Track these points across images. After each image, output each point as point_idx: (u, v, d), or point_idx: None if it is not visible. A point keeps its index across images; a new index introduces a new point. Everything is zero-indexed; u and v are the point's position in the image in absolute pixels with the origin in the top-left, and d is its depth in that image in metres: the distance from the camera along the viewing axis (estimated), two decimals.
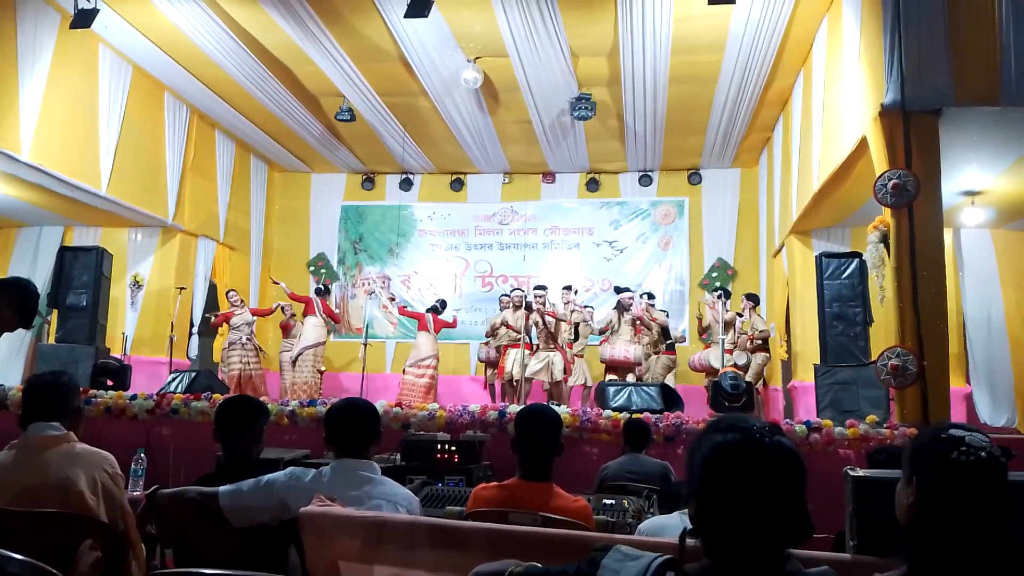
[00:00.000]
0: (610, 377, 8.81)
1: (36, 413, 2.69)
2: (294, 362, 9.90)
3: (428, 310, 10.30)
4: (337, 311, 11.27)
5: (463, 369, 11.83)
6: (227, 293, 10.34)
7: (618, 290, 9.72)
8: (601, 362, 9.27)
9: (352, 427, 2.58)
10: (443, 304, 10.62)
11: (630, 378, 8.74)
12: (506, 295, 10.03)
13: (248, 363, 9.80)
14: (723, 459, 1.26)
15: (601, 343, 9.44)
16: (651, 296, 9.96)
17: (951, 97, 5.77)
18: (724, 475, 1.25)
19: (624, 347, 8.97)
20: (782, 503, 1.23)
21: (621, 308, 9.20)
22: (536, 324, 8.89)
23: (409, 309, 10.83)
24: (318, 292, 10.52)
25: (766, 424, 1.30)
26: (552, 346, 8.96)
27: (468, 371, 11.83)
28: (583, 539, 1.95)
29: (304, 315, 10.24)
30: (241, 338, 9.87)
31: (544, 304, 8.94)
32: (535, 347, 9.04)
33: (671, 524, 2.66)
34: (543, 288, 9.29)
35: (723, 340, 8.72)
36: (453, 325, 10.50)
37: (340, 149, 11.75)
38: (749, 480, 1.23)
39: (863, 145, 6.22)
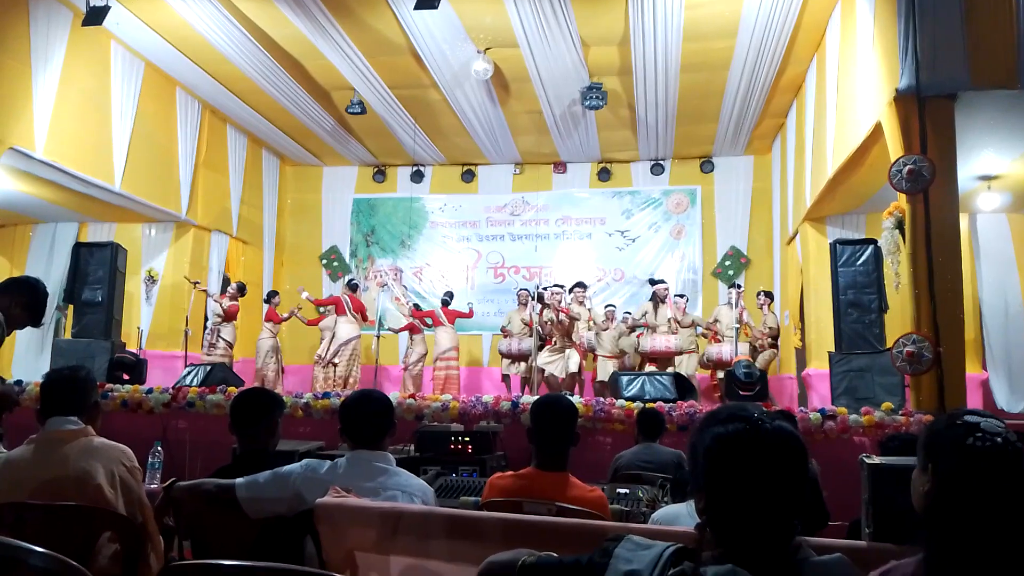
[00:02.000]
0: (649, 368, 8.82)
1: (54, 408, 2.72)
2: (330, 360, 9.93)
3: (444, 305, 10.42)
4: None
5: (477, 360, 11.87)
6: (229, 285, 10.17)
7: (652, 282, 9.73)
8: (639, 353, 9.29)
9: (366, 419, 2.59)
10: (451, 295, 10.76)
11: (674, 368, 8.79)
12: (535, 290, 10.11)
13: (211, 353, 9.58)
14: (727, 449, 1.26)
15: (639, 335, 9.44)
16: (682, 296, 9.95)
17: (967, 81, 5.70)
18: (729, 465, 1.25)
19: (664, 338, 8.99)
20: (788, 487, 1.24)
21: (657, 299, 9.20)
22: (551, 320, 8.92)
23: (421, 309, 10.80)
24: (351, 287, 10.42)
25: (764, 411, 1.30)
26: (568, 341, 9.00)
27: (482, 362, 11.87)
28: (596, 529, 1.96)
29: (336, 315, 10.22)
30: (207, 326, 9.70)
31: (560, 301, 8.98)
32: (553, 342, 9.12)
33: (684, 513, 2.66)
34: (560, 287, 9.34)
35: (736, 330, 8.73)
36: (470, 315, 10.58)
37: (351, 142, 11.77)
38: (754, 467, 1.23)
39: (878, 131, 6.16)
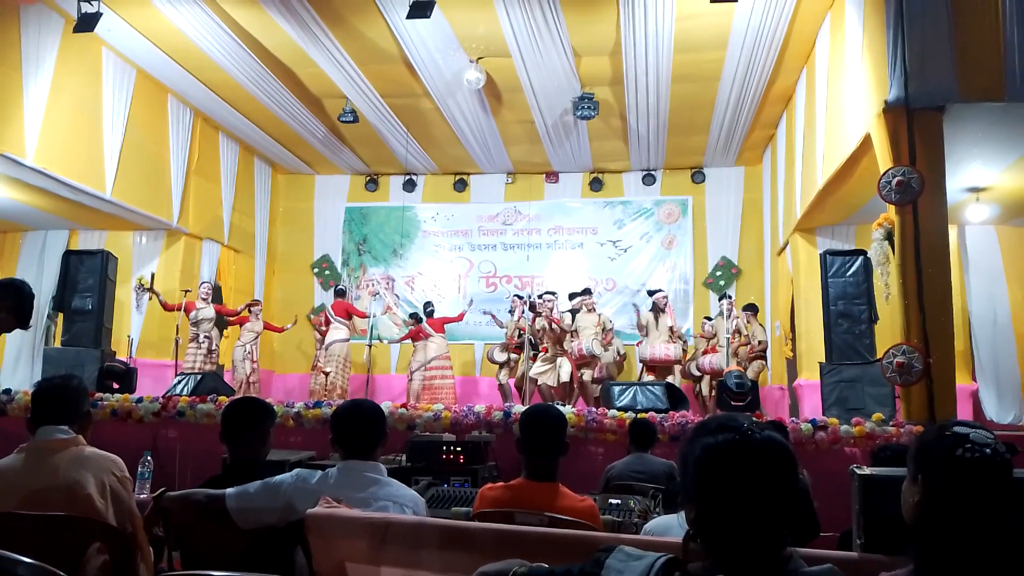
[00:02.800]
0: (648, 377, 8.81)
1: (45, 417, 2.70)
2: (322, 369, 10.07)
3: (426, 315, 10.53)
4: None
5: (469, 369, 11.85)
6: (200, 284, 9.84)
7: (651, 292, 9.74)
8: (640, 362, 9.26)
9: (358, 429, 2.58)
10: (431, 304, 10.89)
11: (669, 379, 8.79)
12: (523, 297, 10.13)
13: (196, 361, 9.36)
14: (717, 460, 1.26)
15: (638, 343, 9.42)
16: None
17: (955, 93, 5.76)
18: (719, 475, 1.25)
19: (664, 347, 8.99)
20: (778, 497, 1.24)
21: (656, 309, 9.20)
22: (543, 329, 8.93)
23: (414, 317, 10.86)
24: (336, 293, 10.67)
25: (755, 421, 1.31)
26: (559, 350, 9.00)
27: (474, 371, 11.85)
28: (588, 539, 1.96)
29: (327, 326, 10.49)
30: (199, 336, 9.49)
31: (552, 309, 8.98)
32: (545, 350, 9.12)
33: (675, 524, 2.66)
34: (552, 294, 9.34)
35: (727, 341, 8.75)
36: (459, 319, 10.66)
37: (343, 151, 11.76)
38: (744, 477, 1.24)
39: (867, 142, 6.21)
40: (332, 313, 10.37)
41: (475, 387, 11.53)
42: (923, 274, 5.62)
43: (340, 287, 11.04)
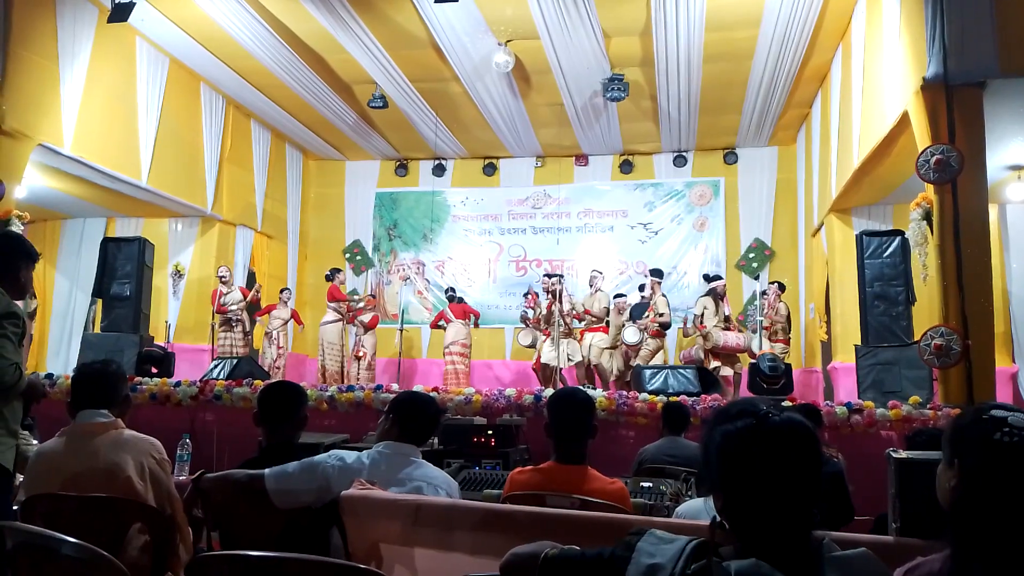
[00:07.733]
0: (713, 364, 8.76)
1: (85, 401, 2.77)
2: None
3: (448, 300, 10.62)
4: (348, 294, 11.06)
5: (498, 354, 11.88)
6: (219, 269, 9.90)
7: (708, 278, 9.64)
8: (710, 349, 9.13)
9: (426, 422, 2.66)
10: (453, 290, 10.96)
11: (736, 366, 8.78)
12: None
13: (233, 344, 9.62)
14: (738, 446, 1.26)
15: (700, 327, 9.34)
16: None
17: (996, 69, 5.60)
18: (741, 461, 1.26)
19: (736, 336, 8.94)
20: (802, 477, 1.25)
21: (716, 296, 9.09)
22: (555, 311, 8.96)
23: (435, 313, 10.92)
24: (327, 278, 10.63)
25: (772, 404, 1.30)
26: (566, 331, 9.07)
27: (503, 355, 11.88)
28: (619, 522, 1.96)
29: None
30: (231, 319, 9.68)
31: (560, 292, 9.02)
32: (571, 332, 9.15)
33: (703, 508, 2.65)
34: (551, 276, 9.34)
35: (760, 322, 8.67)
36: (476, 314, 10.66)
37: (373, 136, 11.81)
38: (765, 460, 1.24)
39: (904, 120, 6.08)
40: (327, 297, 10.45)
41: (503, 371, 11.55)
42: (962, 254, 5.51)
43: (329, 271, 10.80)
